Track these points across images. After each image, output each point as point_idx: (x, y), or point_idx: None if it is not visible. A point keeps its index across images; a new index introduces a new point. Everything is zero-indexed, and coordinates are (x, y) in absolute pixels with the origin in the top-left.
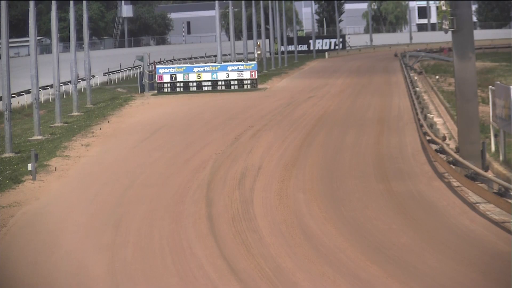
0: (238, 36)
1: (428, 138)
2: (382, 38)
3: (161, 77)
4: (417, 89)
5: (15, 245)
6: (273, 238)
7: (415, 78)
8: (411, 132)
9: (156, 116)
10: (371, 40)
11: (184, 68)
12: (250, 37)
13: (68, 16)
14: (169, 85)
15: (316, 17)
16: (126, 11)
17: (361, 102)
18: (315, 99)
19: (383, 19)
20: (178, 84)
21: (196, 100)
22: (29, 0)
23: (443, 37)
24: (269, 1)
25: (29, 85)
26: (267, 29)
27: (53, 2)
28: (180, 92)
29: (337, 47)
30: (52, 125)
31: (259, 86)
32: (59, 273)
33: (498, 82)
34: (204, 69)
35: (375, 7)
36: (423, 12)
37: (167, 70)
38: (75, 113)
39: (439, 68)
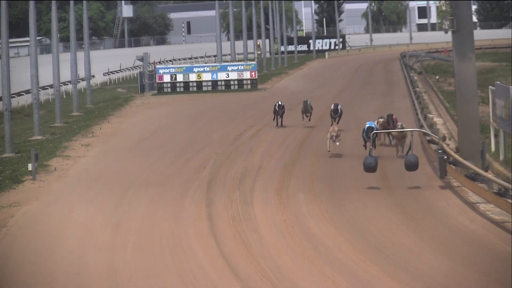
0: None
1: (428, 138)
2: (382, 38)
3: (161, 77)
4: (417, 89)
5: (15, 245)
6: (273, 238)
7: (415, 78)
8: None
9: (156, 116)
10: (371, 40)
11: (184, 68)
12: (250, 37)
13: (68, 16)
14: (169, 85)
15: (316, 17)
16: (126, 11)
17: (361, 102)
18: (316, 99)
19: (383, 18)
20: (178, 84)
21: (196, 100)
22: (29, 0)
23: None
24: (269, 1)
25: (29, 85)
26: (267, 29)
27: (53, 2)
28: (180, 92)
29: (337, 47)
30: (52, 125)
31: (259, 86)
32: (59, 273)
33: (498, 82)
34: (204, 69)
35: (374, 7)
36: (423, 12)
37: (167, 70)
38: (75, 113)
39: (439, 68)
